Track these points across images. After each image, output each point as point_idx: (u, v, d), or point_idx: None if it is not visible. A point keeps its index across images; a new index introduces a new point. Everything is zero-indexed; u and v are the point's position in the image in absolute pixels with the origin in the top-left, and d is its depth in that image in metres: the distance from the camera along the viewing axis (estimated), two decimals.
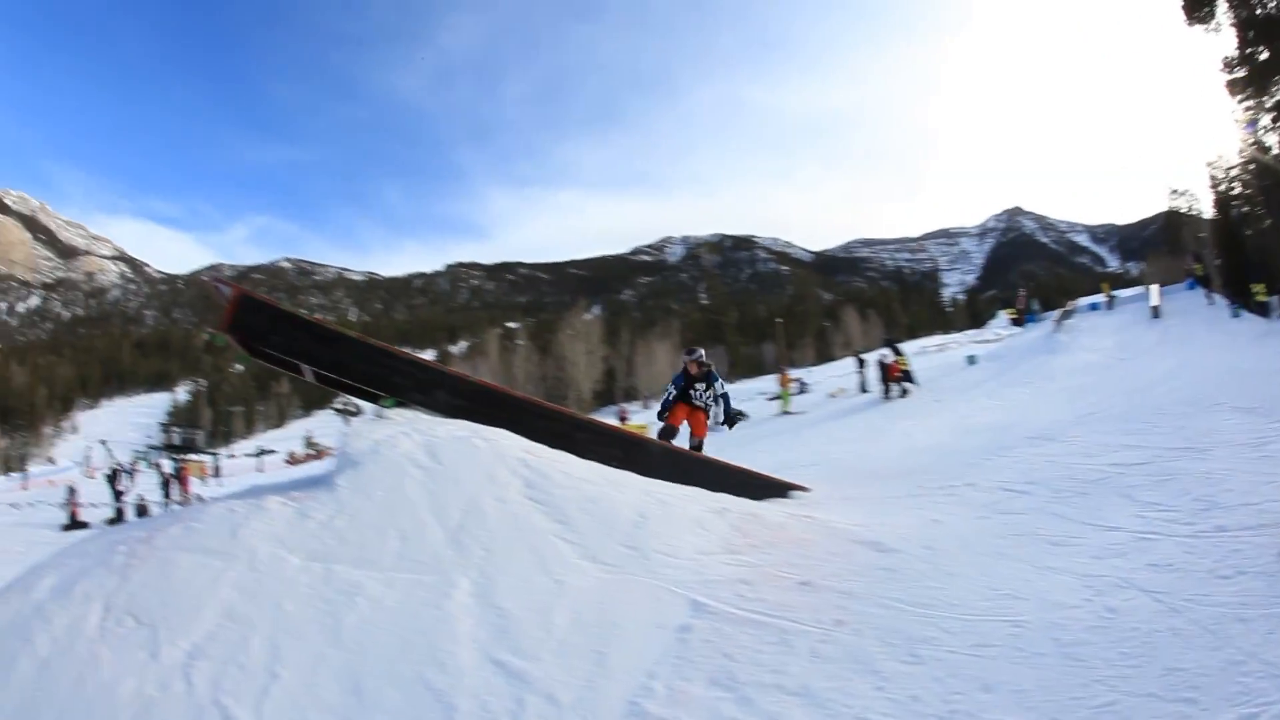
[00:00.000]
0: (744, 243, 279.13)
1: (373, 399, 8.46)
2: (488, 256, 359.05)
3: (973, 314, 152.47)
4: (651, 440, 9.71)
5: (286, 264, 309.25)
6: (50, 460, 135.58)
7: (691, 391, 11.69)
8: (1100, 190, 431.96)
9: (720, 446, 12.32)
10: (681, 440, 11.26)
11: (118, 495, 30.26)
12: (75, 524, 27.53)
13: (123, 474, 33.97)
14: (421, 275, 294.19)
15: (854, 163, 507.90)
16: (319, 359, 8.20)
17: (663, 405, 11.77)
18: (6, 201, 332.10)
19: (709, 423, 12.16)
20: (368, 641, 5.13)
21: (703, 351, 12.06)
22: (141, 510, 28.66)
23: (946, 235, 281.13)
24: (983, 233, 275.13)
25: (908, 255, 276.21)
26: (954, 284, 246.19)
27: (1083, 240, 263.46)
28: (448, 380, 8.40)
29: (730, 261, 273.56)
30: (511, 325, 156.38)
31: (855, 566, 6.07)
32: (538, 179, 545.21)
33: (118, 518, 28.26)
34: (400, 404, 8.00)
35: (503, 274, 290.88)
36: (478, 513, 6.23)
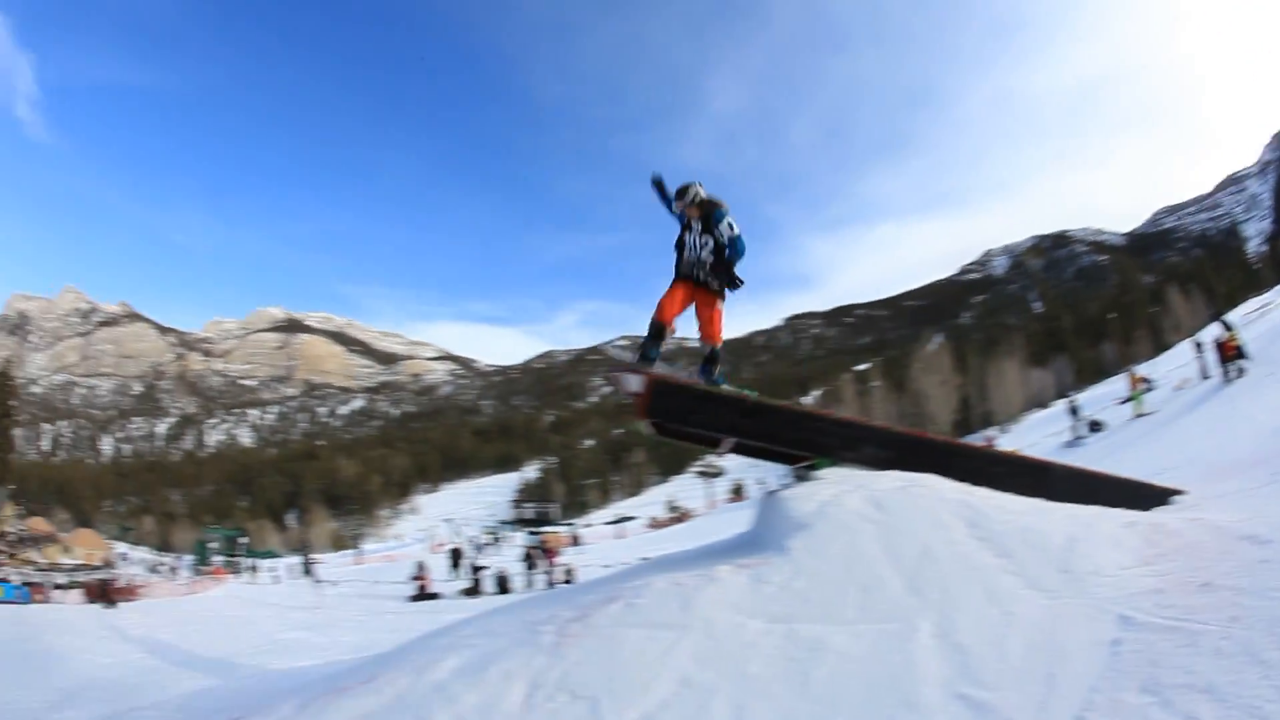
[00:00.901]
0: (1060, 239, 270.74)
1: (793, 460, 8.43)
2: (821, 304, 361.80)
3: (1277, 262, 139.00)
4: (1055, 464, 9.04)
5: (622, 343, 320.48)
6: (391, 538, 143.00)
7: (687, 242, 8.39)
8: None
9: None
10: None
11: (475, 569, 31.71)
12: (424, 595, 29.53)
13: (473, 549, 35.48)
14: (762, 332, 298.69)
15: (1132, 125, 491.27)
16: (745, 430, 8.21)
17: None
18: (309, 323, 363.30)
19: (722, 319, 8.63)
20: (837, 692, 5.10)
21: (696, 184, 8.36)
22: (502, 582, 29.84)
23: (1233, 182, 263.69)
24: (1262, 168, 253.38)
25: (1206, 215, 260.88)
26: (1253, 234, 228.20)
27: None
28: (873, 433, 8.35)
29: (1052, 262, 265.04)
30: (860, 368, 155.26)
31: (1241, 562, 6.06)
32: (850, 218, 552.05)
33: (474, 589, 29.83)
34: (832, 463, 7.98)
35: (839, 318, 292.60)
36: (930, 557, 6.20)
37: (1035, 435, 42.25)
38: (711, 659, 5.62)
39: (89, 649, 19.24)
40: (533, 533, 60.96)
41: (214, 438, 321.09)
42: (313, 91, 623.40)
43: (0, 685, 14.17)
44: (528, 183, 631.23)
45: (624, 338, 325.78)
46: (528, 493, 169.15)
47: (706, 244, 8.25)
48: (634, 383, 8.20)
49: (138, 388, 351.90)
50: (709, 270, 8.33)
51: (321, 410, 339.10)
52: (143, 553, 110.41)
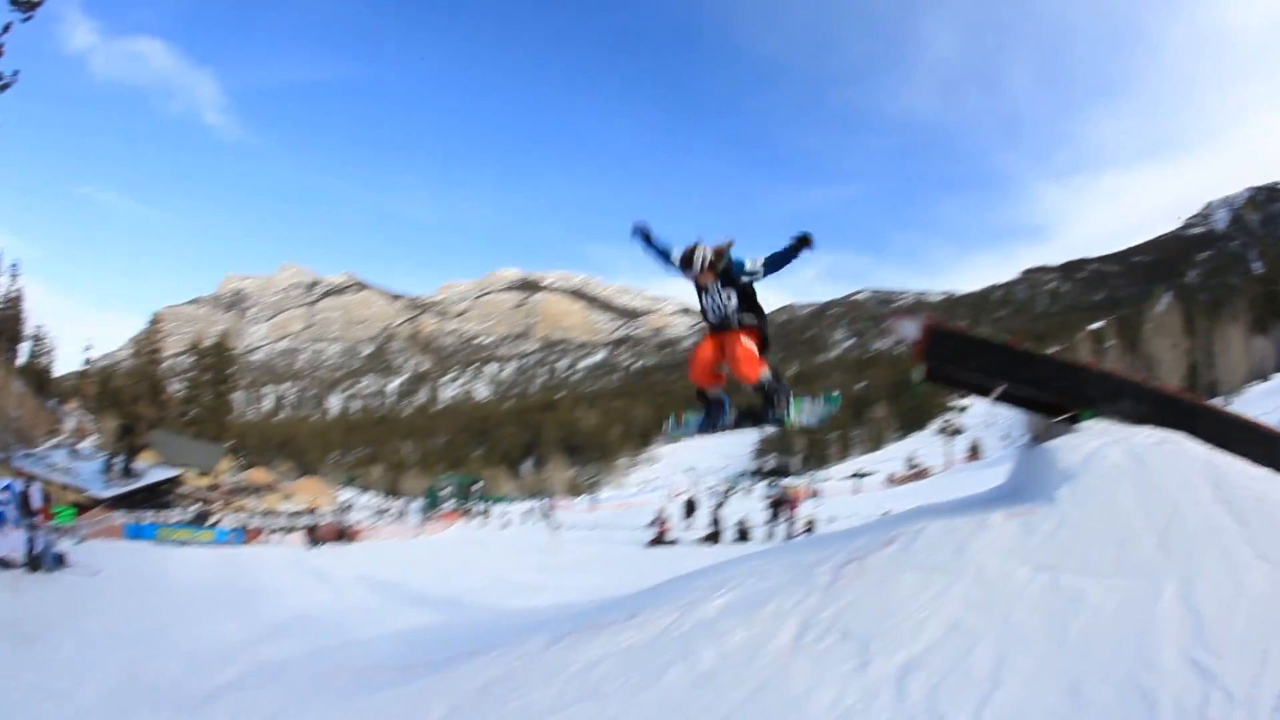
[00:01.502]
0: (1274, 192, 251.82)
1: (1054, 412, 8.45)
2: (1055, 256, 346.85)
3: None
4: None
5: (864, 295, 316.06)
6: (629, 487, 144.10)
7: (708, 306, 7.41)
8: None
9: None
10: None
11: (716, 517, 31.71)
12: (662, 541, 29.98)
13: (712, 499, 35.75)
14: (998, 287, 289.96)
15: None
16: (1016, 377, 8.31)
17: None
18: (546, 282, 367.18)
19: (751, 347, 7.30)
20: (1089, 646, 5.16)
21: (700, 243, 7.23)
22: (742, 531, 29.86)
23: None
24: None
25: None
26: None
27: None
28: (1133, 388, 8.27)
29: (1269, 217, 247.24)
30: (1093, 326, 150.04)
31: None
32: (1076, 166, 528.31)
33: (714, 537, 29.99)
34: (1094, 415, 8.02)
35: (1073, 273, 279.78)
36: (1178, 517, 6.14)
37: (1263, 406, 36.94)
38: (980, 605, 5.77)
39: (302, 586, 20.60)
40: (772, 484, 60.39)
41: (448, 393, 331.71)
42: (540, 66, 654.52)
43: (213, 619, 15.08)
44: (758, 138, 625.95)
45: (863, 290, 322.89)
46: (768, 445, 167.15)
47: (730, 297, 7.33)
48: (912, 328, 8.34)
49: (367, 350, 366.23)
50: (739, 314, 7.39)
51: (561, 365, 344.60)
52: (369, 498, 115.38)
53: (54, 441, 75.50)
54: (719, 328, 7.44)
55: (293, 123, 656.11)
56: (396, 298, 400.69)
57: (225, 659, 11.42)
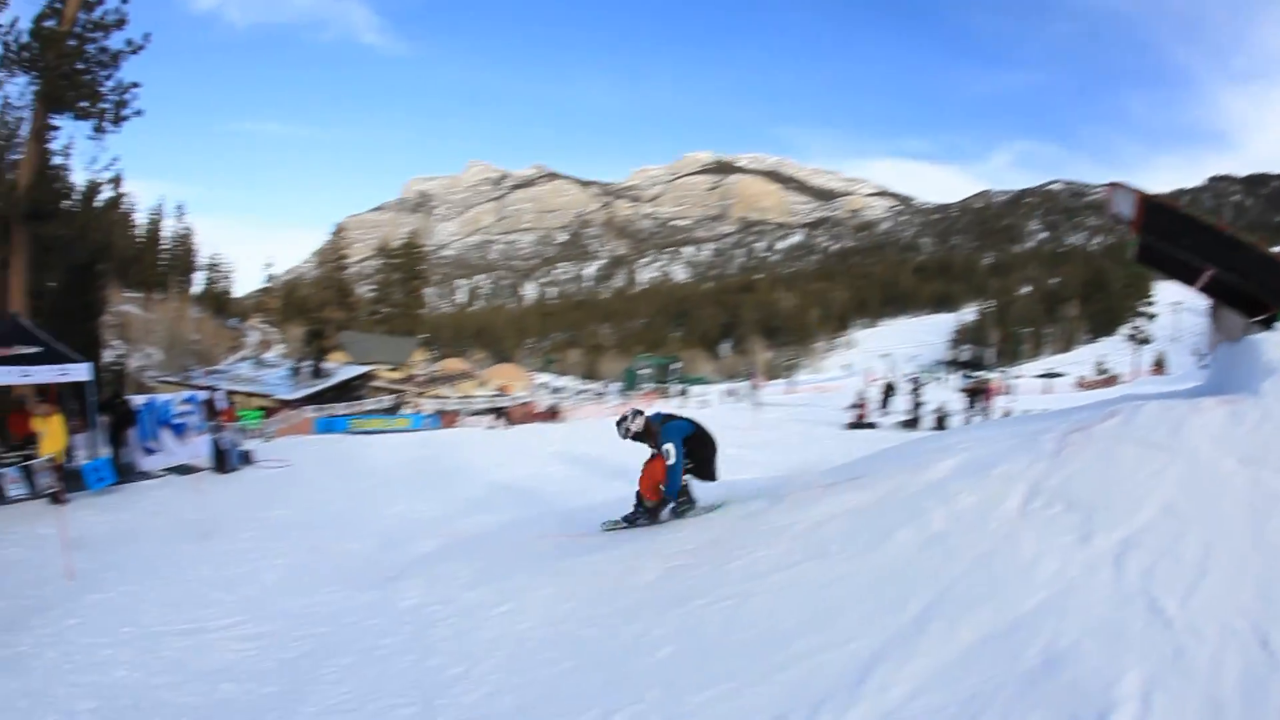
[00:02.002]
0: None
1: (1252, 311, 8.01)
2: (1239, 168, 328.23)
3: None
4: None
5: (1057, 186, 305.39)
6: (825, 371, 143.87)
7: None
8: None
9: None
10: None
11: (916, 403, 31.37)
12: (861, 424, 29.87)
13: (908, 385, 35.29)
14: (1185, 192, 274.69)
15: None
16: (1225, 264, 7.85)
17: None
18: (740, 164, 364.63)
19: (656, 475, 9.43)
20: (1277, 547, 4.82)
21: (627, 414, 9.80)
22: (940, 419, 29.33)
23: None
24: None
25: None
26: None
27: None
28: None
29: None
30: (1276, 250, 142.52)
31: None
32: (1258, 72, 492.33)
33: (912, 423, 29.56)
34: None
35: (1257, 188, 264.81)
36: None
37: None
38: (1192, 489, 5.48)
39: (499, 464, 21.05)
40: (966, 375, 59.85)
41: (645, 276, 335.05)
42: None
43: (408, 500, 15.52)
44: (937, 17, 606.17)
45: (1056, 181, 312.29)
46: (963, 335, 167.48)
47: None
48: (1127, 200, 8.00)
49: (562, 237, 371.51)
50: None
51: (759, 246, 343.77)
52: (567, 382, 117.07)
53: (238, 356, 79.43)
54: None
55: (457, 29, 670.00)
56: (588, 185, 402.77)
57: (421, 535, 11.75)
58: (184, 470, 18.53)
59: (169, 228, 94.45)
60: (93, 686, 6.60)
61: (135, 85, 24.32)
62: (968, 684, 4.26)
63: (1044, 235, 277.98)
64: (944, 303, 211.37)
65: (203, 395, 20.71)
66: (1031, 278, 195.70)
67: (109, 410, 18.64)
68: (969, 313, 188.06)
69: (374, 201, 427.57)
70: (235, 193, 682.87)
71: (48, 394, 17.01)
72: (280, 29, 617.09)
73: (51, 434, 15.28)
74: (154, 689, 6.60)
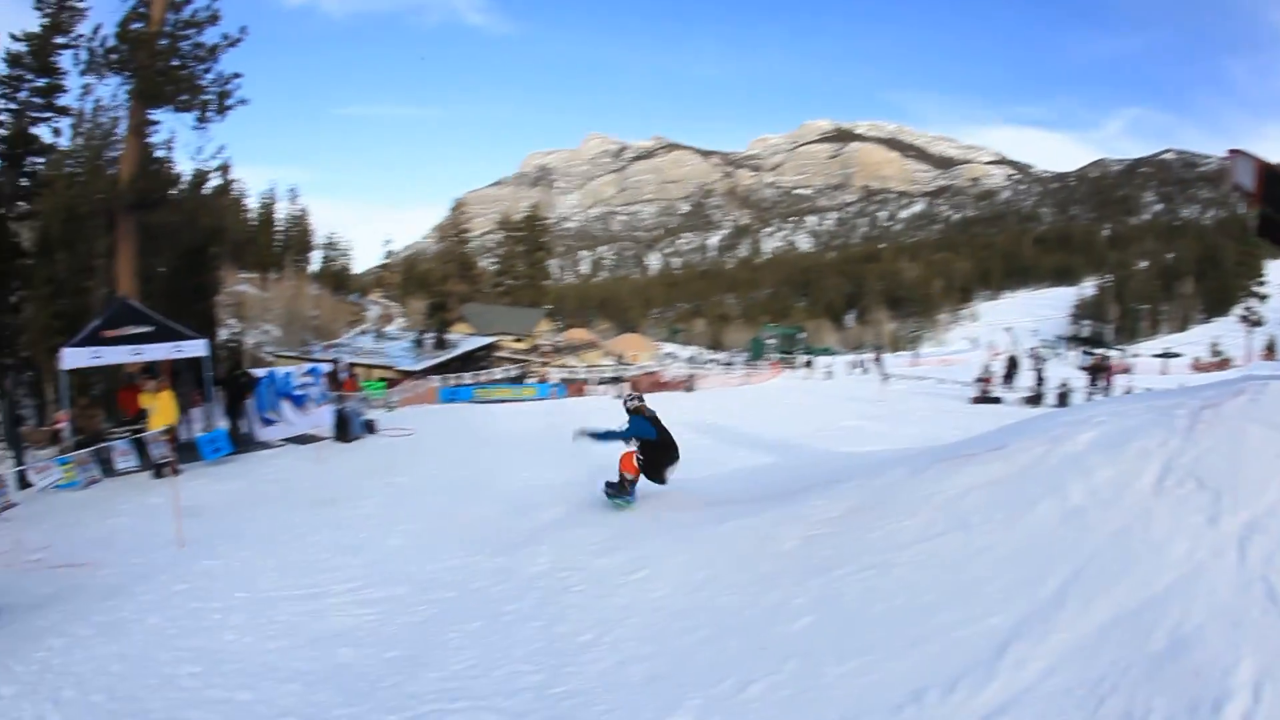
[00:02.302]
0: None
1: None
2: None
3: None
4: None
5: (1170, 156, 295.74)
6: (949, 343, 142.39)
7: None
8: None
9: None
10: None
11: (1040, 378, 31.02)
12: (985, 399, 29.75)
13: (1031, 360, 34.97)
14: None
15: None
16: None
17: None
18: (859, 131, 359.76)
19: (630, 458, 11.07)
20: None
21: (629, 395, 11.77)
22: (1062, 395, 28.86)
23: None
24: None
25: None
26: None
27: None
28: None
29: None
30: None
31: None
32: None
33: (1036, 398, 29.27)
34: None
35: None
36: None
37: None
38: None
39: None
40: (1087, 353, 58.74)
41: (769, 245, 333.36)
42: None
43: (535, 467, 15.36)
44: None
45: (1169, 150, 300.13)
46: (1082, 310, 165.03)
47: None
48: (1247, 169, 7.72)
49: (684, 208, 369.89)
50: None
51: (881, 215, 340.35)
52: (693, 351, 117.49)
53: (359, 330, 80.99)
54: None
55: (562, 5, 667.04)
56: (708, 155, 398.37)
57: (549, 501, 11.79)
58: (304, 440, 18.99)
59: (282, 209, 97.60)
60: (197, 650, 6.74)
61: (236, 76, 24.88)
62: (1098, 665, 4.32)
63: (1159, 207, 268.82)
64: (1064, 275, 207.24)
65: (325, 367, 21.27)
66: (1148, 251, 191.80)
67: (227, 384, 19.14)
68: (1088, 287, 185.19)
69: (492, 177, 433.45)
70: (352, 175, 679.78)
71: (157, 370, 17.40)
72: (380, 16, 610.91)
73: (162, 408, 15.71)
74: (264, 653, 6.73)
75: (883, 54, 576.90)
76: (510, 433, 22.26)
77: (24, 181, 27.24)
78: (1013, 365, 35.74)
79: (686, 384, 41.87)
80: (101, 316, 17.46)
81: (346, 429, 19.86)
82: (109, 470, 14.49)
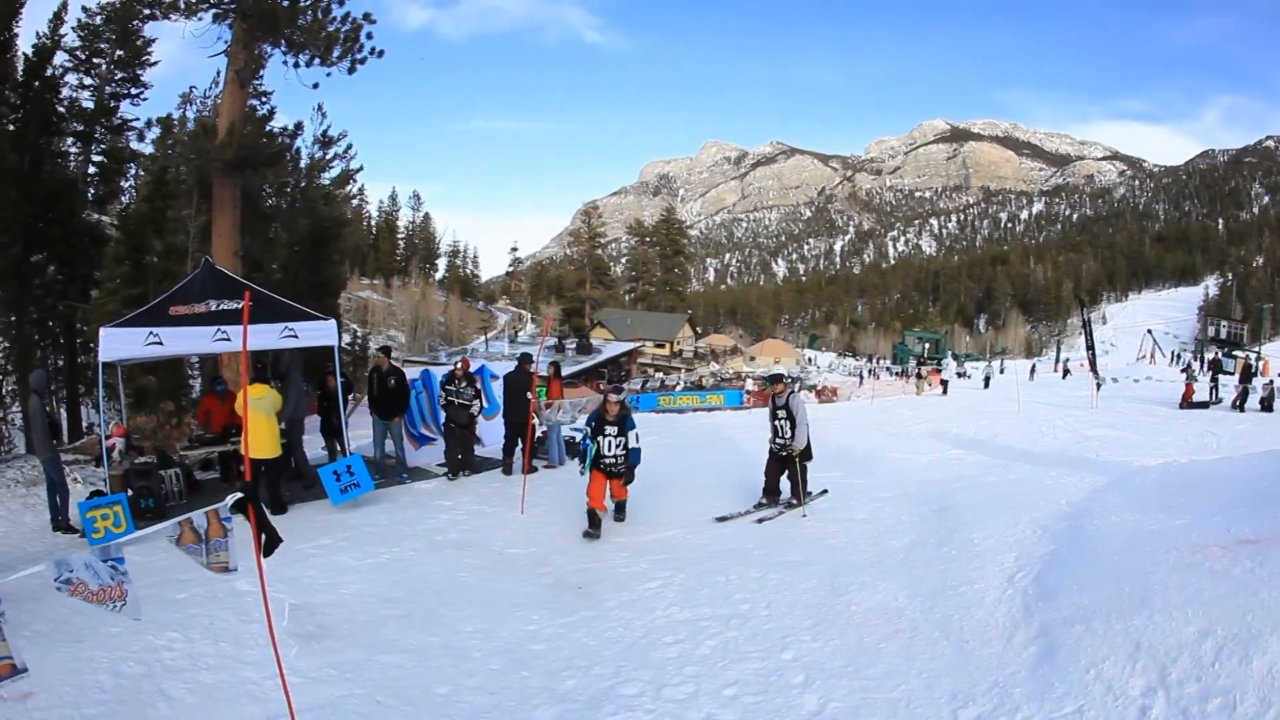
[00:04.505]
0: None
1: None
2: None
3: None
4: None
5: (1270, 144, 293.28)
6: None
7: (602, 439, 10.57)
8: None
9: None
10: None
11: (1245, 381, 30.35)
12: (1193, 404, 30.36)
13: (1200, 365, 34.96)
14: None
15: None
16: None
17: (584, 460, 10.77)
18: (974, 131, 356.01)
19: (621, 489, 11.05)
20: None
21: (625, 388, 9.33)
22: (1265, 401, 28.38)
23: None
24: None
25: None
26: None
27: None
28: None
29: None
30: None
31: None
32: None
33: (1239, 404, 28.97)
34: None
35: None
36: None
37: None
38: None
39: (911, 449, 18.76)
40: (1226, 354, 57.95)
41: (895, 249, 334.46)
42: None
43: (694, 478, 14.17)
44: None
45: (1271, 137, 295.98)
46: (1208, 310, 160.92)
47: (623, 446, 10.59)
48: None
49: (806, 213, 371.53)
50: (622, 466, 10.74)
51: (1002, 216, 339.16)
52: (830, 358, 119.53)
53: (492, 334, 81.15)
54: (606, 473, 10.64)
55: (674, 19, 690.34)
56: (827, 159, 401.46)
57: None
58: (466, 465, 14.61)
59: (405, 218, 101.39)
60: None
61: (369, 18, 20.19)
62: None
63: (1267, 199, 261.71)
64: (1185, 275, 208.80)
65: (498, 366, 18.08)
66: (1267, 248, 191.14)
67: (376, 391, 14.34)
68: (1210, 285, 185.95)
69: (612, 186, 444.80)
70: (472, 188, 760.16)
71: (260, 372, 15.21)
72: (499, 37, 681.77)
73: (259, 428, 10.99)
74: None
75: (991, 50, 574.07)
76: (689, 442, 19.91)
77: (103, 160, 25.20)
78: (1216, 367, 35.25)
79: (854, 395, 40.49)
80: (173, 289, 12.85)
81: (556, 453, 15.92)
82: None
